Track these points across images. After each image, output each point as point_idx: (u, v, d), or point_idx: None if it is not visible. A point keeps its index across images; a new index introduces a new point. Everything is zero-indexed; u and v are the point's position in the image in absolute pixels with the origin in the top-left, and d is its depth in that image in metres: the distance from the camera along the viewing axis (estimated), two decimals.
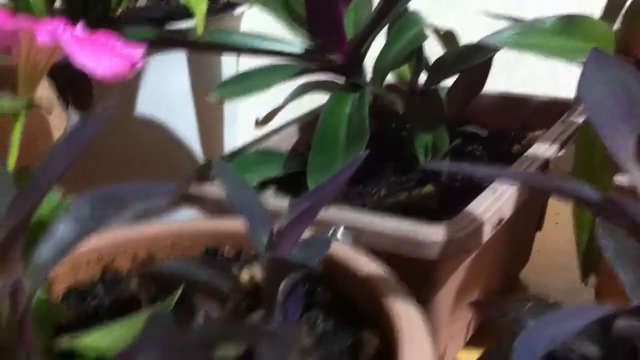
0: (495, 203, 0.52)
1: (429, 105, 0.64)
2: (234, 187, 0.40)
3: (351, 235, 0.49)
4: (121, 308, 0.47)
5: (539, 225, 0.75)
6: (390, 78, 0.70)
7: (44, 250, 0.31)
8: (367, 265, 0.45)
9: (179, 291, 0.44)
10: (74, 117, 0.60)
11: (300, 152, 0.70)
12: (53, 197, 0.42)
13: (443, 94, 0.68)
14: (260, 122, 0.79)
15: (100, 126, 0.32)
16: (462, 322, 0.59)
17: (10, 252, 0.30)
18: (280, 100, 0.74)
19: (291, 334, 0.32)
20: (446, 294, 0.53)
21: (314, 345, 0.42)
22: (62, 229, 0.32)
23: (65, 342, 0.41)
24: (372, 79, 0.68)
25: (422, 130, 0.63)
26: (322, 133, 0.58)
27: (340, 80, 0.69)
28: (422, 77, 0.69)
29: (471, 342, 0.61)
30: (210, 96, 0.59)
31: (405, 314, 0.41)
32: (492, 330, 0.63)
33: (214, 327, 0.31)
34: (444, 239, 0.47)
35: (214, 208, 0.57)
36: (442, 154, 0.64)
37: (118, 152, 0.75)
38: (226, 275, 0.42)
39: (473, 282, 0.56)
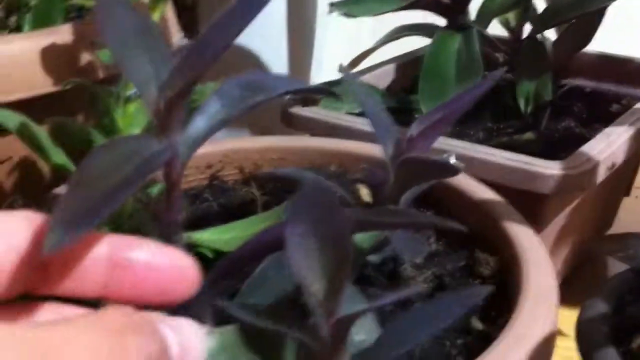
0: (609, 147, 0.51)
1: (535, 53, 0.63)
2: (362, 93, 0.40)
3: (463, 164, 0.48)
4: (229, 213, 0.48)
5: (627, 191, 0.73)
6: (493, 26, 0.69)
7: (199, 122, 0.32)
8: (482, 191, 0.45)
9: None
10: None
11: (396, 91, 0.70)
12: None
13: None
14: (349, 65, 0.79)
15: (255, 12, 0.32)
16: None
17: (172, 117, 0.30)
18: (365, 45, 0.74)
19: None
20: (548, 234, 0.52)
21: (426, 262, 0.42)
22: (214, 106, 0.32)
23: (184, 235, 0.42)
24: (476, 22, 0.67)
25: (526, 78, 0.62)
26: (431, 66, 0.57)
27: (441, 22, 0.68)
28: (527, 28, 0.68)
29: None
30: (333, 8, 0.59)
31: (526, 238, 0.40)
32: (574, 287, 0.63)
33: (362, 211, 0.31)
34: (561, 173, 0.47)
35: (317, 131, 0.57)
36: (543, 104, 0.63)
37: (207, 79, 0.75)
38: (346, 186, 0.42)
39: (572, 229, 0.56)
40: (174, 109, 0.30)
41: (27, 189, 0.47)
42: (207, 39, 0.31)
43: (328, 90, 0.38)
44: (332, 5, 0.61)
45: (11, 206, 0.42)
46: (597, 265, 0.66)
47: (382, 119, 0.40)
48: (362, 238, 0.37)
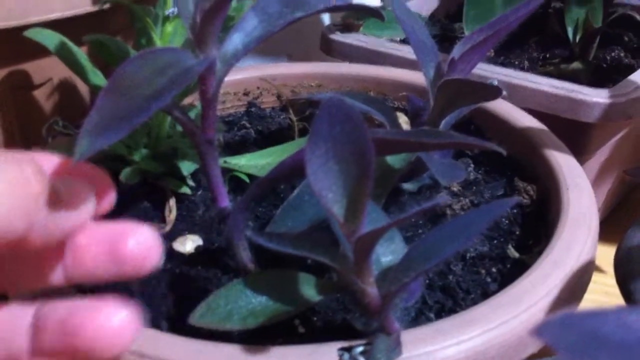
0: None
1: None
2: (404, 14, 0.39)
3: (505, 92, 0.47)
4: (266, 139, 0.48)
5: None
6: None
7: (236, 38, 0.31)
8: (524, 118, 0.44)
9: None
10: None
11: (439, 19, 0.68)
12: None
13: None
14: None
15: None
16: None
17: (208, 31, 0.29)
18: None
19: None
20: (592, 166, 0.51)
21: (464, 190, 0.42)
22: (251, 22, 0.32)
23: (220, 160, 0.42)
24: None
25: (576, 4, 0.59)
26: None
27: None
28: None
29: None
30: None
31: (567, 164, 0.40)
32: (618, 220, 0.62)
33: (389, 131, 0.30)
34: (607, 101, 0.45)
35: (358, 58, 0.56)
36: (592, 33, 0.61)
37: None
38: (385, 111, 0.42)
39: (617, 160, 0.54)
40: (209, 23, 0.29)
41: (67, 111, 0.48)
42: None
43: (372, 10, 0.36)
44: None
45: (51, 128, 0.42)
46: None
47: (425, 43, 0.39)
48: (392, 159, 0.36)
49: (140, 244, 0.25)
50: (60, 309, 0.23)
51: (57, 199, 0.22)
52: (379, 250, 0.28)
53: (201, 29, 0.29)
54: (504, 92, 0.45)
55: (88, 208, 0.24)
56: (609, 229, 0.60)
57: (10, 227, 0.20)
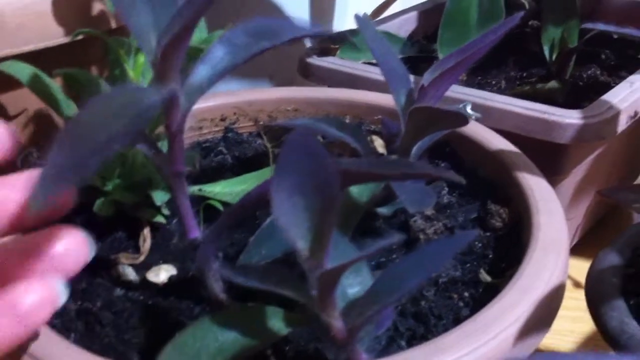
0: (632, 95, 0.49)
1: None
2: (375, 42, 0.39)
3: (479, 114, 0.47)
4: (242, 165, 0.48)
5: None
6: None
7: (201, 70, 0.31)
8: (497, 141, 0.44)
9: None
10: None
11: (418, 39, 0.68)
12: (203, 29, 0.42)
13: None
14: (371, 15, 0.77)
15: None
16: (574, 222, 0.58)
17: (169, 62, 0.30)
18: None
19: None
20: (567, 187, 0.52)
21: (438, 214, 0.42)
22: (217, 54, 0.32)
23: (195, 188, 0.42)
24: None
25: (552, 24, 0.60)
26: (452, 12, 0.56)
27: None
28: None
29: (574, 250, 0.60)
30: None
31: (538, 187, 0.40)
32: (597, 239, 0.62)
33: (354, 162, 0.30)
34: (580, 122, 0.46)
35: (334, 81, 0.56)
36: (568, 51, 0.61)
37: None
38: (359, 137, 0.42)
39: (594, 179, 0.55)
40: (170, 56, 0.29)
41: (41, 141, 0.48)
42: None
43: (341, 35, 0.37)
44: None
45: (26, 159, 0.42)
46: (623, 216, 0.65)
47: (395, 69, 0.40)
48: (359, 190, 0.36)
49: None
50: None
51: None
52: (345, 282, 0.28)
53: (162, 64, 0.29)
54: (475, 116, 0.46)
55: None
56: (590, 244, 0.61)
57: None
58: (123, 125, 0.23)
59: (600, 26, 0.47)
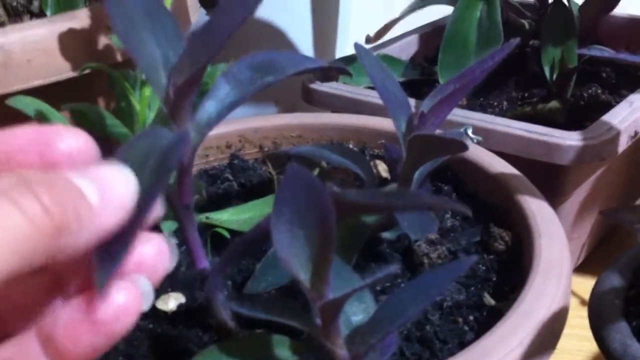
0: (632, 115, 0.50)
1: (561, 18, 0.61)
2: (375, 70, 0.40)
3: (480, 137, 0.48)
4: (248, 192, 0.49)
5: None
6: None
7: (208, 107, 0.32)
8: (498, 164, 0.45)
9: (315, 174, 0.45)
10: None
11: (419, 62, 0.69)
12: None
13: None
14: (374, 37, 0.79)
15: None
16: (578, 242, 0.58)
17: (183, 103, 0.30)
18: (392, 16, 0.73)
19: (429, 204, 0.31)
20: (570, 207, 0.52)
21: (441, 238, 0.42)
22: (222, 89, 0.33)
23: (202, 216, 0.43)
24: None
25: (551, 44, 0.61)
26: (452, 36, 0.57)
27: None
28: None
29: (580, 269, 0.60)
30: None
31: (539, 210, 0.40)
32: (602, 256, 0.63)
33: (357, 193, 0.31)
34: (580, 144, 0.46)
35: (337, 106, 0.57)
36: (569, 71, 0.62)
37: (232, 54, 0.76)
38: (362, 163, 0.43)
39: (596, 199, 0.55)
40: (183, 97, 0.30)
41: None
42: (215, 23, 0.31)
43: (340, 68, 0.38)
44: None
45: None
46: (628, 233, 0.65)
47: (395, 95, 0.40)
48: (364, 217, 0.37)
49: (70, 146, 0.24)
50: None
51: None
52: (349, 310, 0.29)
53: (175, 103, 0.30)
54: (476, 140, 0.47)
55: (124, 207, 0.23)
56: (595, 262, 0.61)
57: (25, 268, 0.19)
58: (151, 178, 0.24)
59: (596, 52, 0.48)
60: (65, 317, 0.23)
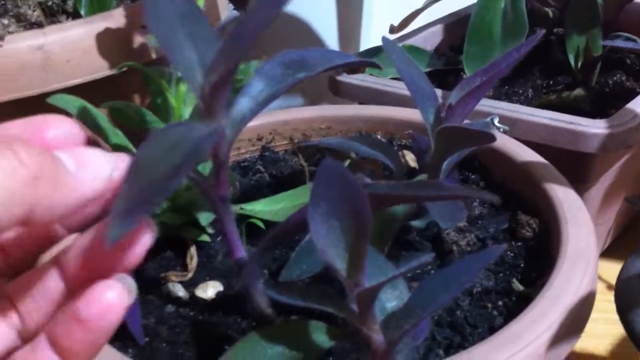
0: None
1: (585, 6, 0.62)
2: (402, 63, 0.41)
3: (507, 127, 0.49)
4: (280, 183, 0.50)
5: None
6: None
7: (242, 103, 0.33)
8: (525, 152, 0.46)
9: (345, 165, 0.46)
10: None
11: (444, 52, 0.70)
12: None
13: None
14: (397, 27, 0.79)
15: None
16: (604, 227, 0.59)
17: (217, 100, 0.32)
18: (415, 6, 0.74)
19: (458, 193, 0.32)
20: (596, 193, 0.53)
21: (470, 226, 0.44)
22: (256, 86, 0.34)
23: (237, 207, 0.45)
24: None
25: (576, 32, 0.61)
26: (477, 26, 0.58)
27: None
28: None
29: (606, 254, 0.61)
30: None
31: (566, 197, 0.41)
32: (629, 241, 0.63)
33: (386, 185, 0.32)
34: (605, 132, 0.47)
35: (364, 98, 0.58)
36: (593, 59, 0.62)
37: (258, 49, 0.77)
38: (390, 154, 0.44)
39: (622, 185, 0.56)
40: (218, 93, 0.31)
41: None
42: (245, 23, 0.32)
43: (369, 62, 0.39)
44: None
45: None
46: None
47: (422, 88, 0.41)
48: (395, 207, 0.38)
49: (58, 131, 0.26)
50: None
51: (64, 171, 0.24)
52: (384, 296, 0.30)
53: (210, 100, 0.32)
54: (502, 129, 0.47)
55: (100, 178, 0.25)
56: (622, 247, 0.62)
57: (6, 214, 0.22)
58: (181, 160, 0.25)
59: (620, 42, 0.48)
60: (61, 318, 0.26)
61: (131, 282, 0.27)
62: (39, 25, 0.50)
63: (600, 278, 0.59)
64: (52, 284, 0.27)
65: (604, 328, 0.54)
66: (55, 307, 0.27)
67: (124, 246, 0.26)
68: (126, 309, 0.26)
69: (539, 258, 0.40)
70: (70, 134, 0.27)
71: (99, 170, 0.26)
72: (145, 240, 0.27)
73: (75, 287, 0.26)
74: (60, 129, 0.27)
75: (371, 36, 0.86)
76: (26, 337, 0.27)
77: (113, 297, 0.26)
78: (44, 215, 0.23)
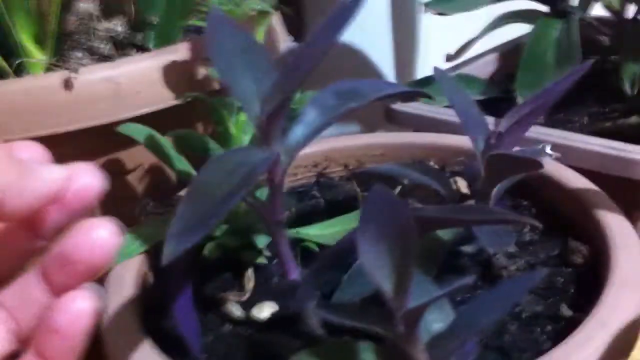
0: None
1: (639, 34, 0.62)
2: (453, 92, 0.43)
3: (559, 154, 0.49)
4: (334, 208, 0.52)
5: None
6: (597, 8, 0.69)
7: (297, 131, 0.35)
8: (576, 179, 0.46)
9: (397, 191, 0.48)
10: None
11: (499, 80, 0.71)
12: None
13: None
14: (453, 55, 0.81)
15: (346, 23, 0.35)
16: None
17: (272, 129, 0.34)
18: (471, 34, 0.75)
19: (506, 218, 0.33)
20: None
21: (520, 251, 0.44)
22: (310, 115, 0.36)
23: (293, 231, 0.46)
24: (578, 7, 0.66)
25: (631, 60, 0.61)
26: (530, 55, 0.58)
27: (543, 8, 0.68)
28: (631, 9, 0.67)
29: None
30: (427, 8, 0.62)
31: (617, 224, 0.42)
32: None
33: (435, 209, 0.33)
34: None
35: (418, 126, 0.60)
36: None
37: (316, 78, 0.80)
38: (442, 180, 0.45)
39: None
40: (273, 122, 0.33)
41: (156, 193, 0.53)
42: (301, 55, 0.34)
43: (420, 92, 0.40)
44: (425, 5, 0.63)
45: (143, 208, 0.48)
46: None
47: (472, 115, 0.43)
48: (443, 230, 0.39)
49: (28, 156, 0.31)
50: None
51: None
52: (429, 317, 0.31)
53: (267, 128, 0.34)
54: (554, 156, 0.48)
55: (61, 175, 0.29)
56: None
57: None
58: (238, 182, 0.27)
59: None
60: (41, 329, 0.30)
61: (100, 289, 0.31)
62: (110, 58, 0.53)
63: None
64: (38, 291, 0.31)
65: None
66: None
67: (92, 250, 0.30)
68: (96, 315, 0.31)
69: (589, 284, 0.41)
70: (41, 157, 0.31)
71: (59, 170, 0.30)
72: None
73: (59, 291, 0.30)
74: (29, 152, 0.31)
75: (427, 65, 0.88)
76: (23, 340, 0.31)
77: (82, 304, 0.30)
78: (14, 200, 0.27)
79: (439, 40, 0.86)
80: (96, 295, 0.31)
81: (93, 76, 0.48)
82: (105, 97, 0.47)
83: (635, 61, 0.62)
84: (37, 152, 0.31)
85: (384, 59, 0.82)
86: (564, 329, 0.38)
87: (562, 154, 0.50)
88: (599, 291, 0.38)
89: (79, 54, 0.51)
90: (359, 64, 0.80)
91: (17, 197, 0.27)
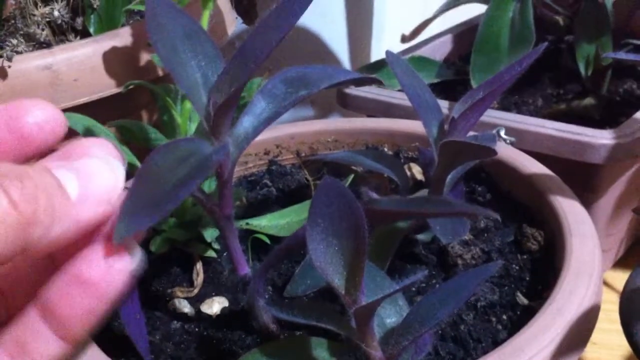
0: None
1: (595, 14, 0.61)
2: (406, 77, 0.41)
3: (513, 138, 0.49)
4: (287, 197, 0.50)
5: None
6: None
7: (246, 122, 0.34)
8: (531, 164, 0.46)
9: (349, 179, 0.46)
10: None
11: (453, 62, 0.70)
12: None
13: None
14: (408, 37, 0.80)
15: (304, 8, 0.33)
16: (616, 237, 0.58)
17: (221, 121, 0.32)
18: (426, 15, 0.74)
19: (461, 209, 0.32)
20: (605, 204, 0.52)
21: (475, 239, 0.43)
22: (259, 105, 0.34)
23: (243, 222, 0.45)
24: None
25: (585, 40, 0.61)
26: (484, 37, 0.58)
27: None
28: None
29: (620, 264, 0.61)
30: None
31: (571, 209, 0.41)
32: None
33: (388, 201, 0.32)
34: (612, 142, 0.47)
35: (372, 110, 0.58)
36: (603, 67, 0.62)
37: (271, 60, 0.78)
38: (396, 167, 0.44)
39: (632, 195, 0.55)
40: (223, 114, 0.32)
41: None
42: (252, 42, 0.33)
43: (369, 78, 0.39)
44: None
45: None
46: None
47: (425, 100, 0.41)
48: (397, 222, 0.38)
49: (39, 118, 0.24)
50: None
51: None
52: (383, 312, 0.30)
53: (215, 120, 0.32)
54: (509, 140, 0.47)
55: (105, 202, 0.23)
56: (635, 257, 0.61)
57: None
58: (189, 172, 0.26)
59: (623, 55, 0.48)
60: (58, 282, 0.23)
61: (138, 250, 0.24)
62: (47, 44, 0.51)
63: (613, 289, 0.59)
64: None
65: (617, 339, 0.54)
66: None
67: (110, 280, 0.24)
68: (132, 277, 0.24)
69: (544, 271, 0.40)
70: (52, 119, 0.25)
71: (105, 190, 0.24)
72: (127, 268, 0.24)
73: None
74: (39, 115, 0.25)
75: (382, 47, 0.87)
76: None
77: (120, 259, 0.23)
78: (39, 250, 0.22)
79: (394, 23, 0.85)
80: (138, 257, 0.24)
81: (29, 64, 0.45)
82: (42, 85, 0.45)
83: (590, 41, 0.62)
84: (50, 114, 0.25)
85: (338, 42, 0.80)
86: (520, 318, 0.37)
87: (517, 138, 0.50)
88: (554, 278, 0.38)
89: (14, 41, 0.48)
90: (312, 47, 0.79)
91: (43, 247, 0.22)
